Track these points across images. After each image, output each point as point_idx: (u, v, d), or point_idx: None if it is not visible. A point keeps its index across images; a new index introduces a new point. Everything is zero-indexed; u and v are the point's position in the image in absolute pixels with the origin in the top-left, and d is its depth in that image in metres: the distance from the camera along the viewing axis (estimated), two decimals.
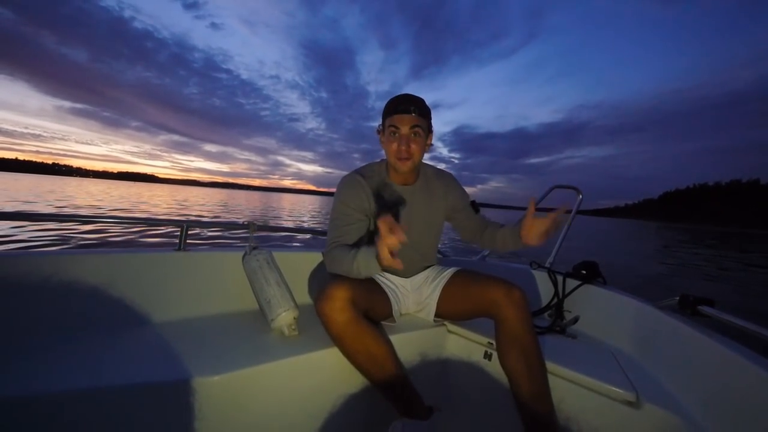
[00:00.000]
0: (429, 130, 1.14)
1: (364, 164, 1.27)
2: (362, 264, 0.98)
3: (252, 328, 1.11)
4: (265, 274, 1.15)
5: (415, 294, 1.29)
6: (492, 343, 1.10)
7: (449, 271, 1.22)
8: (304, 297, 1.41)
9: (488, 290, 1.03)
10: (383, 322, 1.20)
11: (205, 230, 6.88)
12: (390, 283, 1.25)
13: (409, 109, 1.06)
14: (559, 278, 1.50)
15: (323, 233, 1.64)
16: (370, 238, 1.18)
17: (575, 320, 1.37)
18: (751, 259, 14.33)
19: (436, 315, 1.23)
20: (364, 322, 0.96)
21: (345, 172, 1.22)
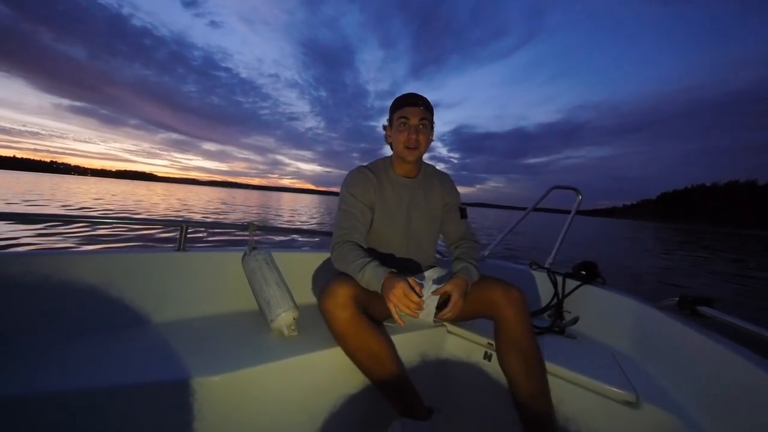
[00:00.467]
0: (432, 126, 1.20)
1: (365, 163, 1.30)
2: (366, 281, 0.98)
3: (251, 329, 1.11)
4: (265, 274, 1.15)
5: None
6: (492, 344, 1.11)
7: (449, 272, 1.23)
8: (303, 297, 1.41)
9: (487, 291, 1.03)
10: (384, 323, 1.20)
11: (204, 230, 6.88)
12: None
13: (418, 103, 1.15)
14: (559, 279, 1.50)
15: (323, 233, 1.64)
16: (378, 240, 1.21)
17: (575, 321, 1.37)
18: (750, 259, 14.38)
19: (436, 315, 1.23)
20: (366, 320, 0.96)
21: (344, 171, 1.26)
